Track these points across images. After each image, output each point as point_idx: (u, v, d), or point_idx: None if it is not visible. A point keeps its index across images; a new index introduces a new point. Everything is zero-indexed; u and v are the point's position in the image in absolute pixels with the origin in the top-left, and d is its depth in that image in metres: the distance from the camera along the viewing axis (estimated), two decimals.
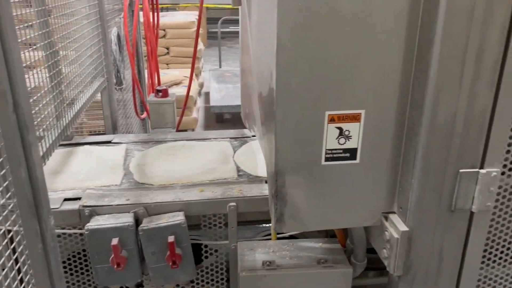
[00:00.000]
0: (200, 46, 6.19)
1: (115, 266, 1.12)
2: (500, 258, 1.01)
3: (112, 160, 1.46)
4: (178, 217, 1.14)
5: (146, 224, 1.14)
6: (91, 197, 1.21)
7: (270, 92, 0.90)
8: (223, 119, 4.77)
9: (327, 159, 0.92)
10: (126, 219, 1.14)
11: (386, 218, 0.99)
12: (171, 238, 1.11)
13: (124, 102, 2.25)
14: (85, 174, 1.36)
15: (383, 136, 0.92)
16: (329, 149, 0.91)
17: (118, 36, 2.03)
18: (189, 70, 5.31)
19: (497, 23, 0.79)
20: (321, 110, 0.88)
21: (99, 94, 1.81)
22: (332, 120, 0.89)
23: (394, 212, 0.99)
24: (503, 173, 0.92)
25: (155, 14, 2.28)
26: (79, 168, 1.41)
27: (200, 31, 6.67)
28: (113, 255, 1.11)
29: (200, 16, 1.79)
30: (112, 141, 1.60)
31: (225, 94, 4.54)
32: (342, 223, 1.01)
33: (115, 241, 1.09)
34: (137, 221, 1.17)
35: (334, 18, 0.81)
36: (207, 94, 5.31)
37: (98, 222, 1.13)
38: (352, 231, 1.11)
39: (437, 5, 0.78)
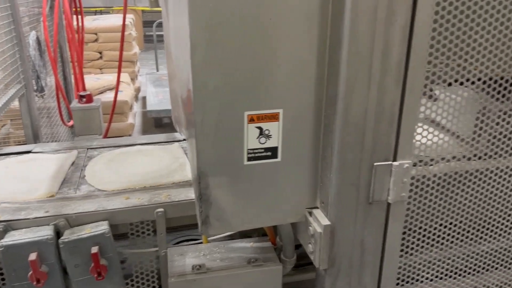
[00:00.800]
0: (136, 49, 6.03)
1: (35, 283, 1.05)
2: (418, 245, 1.06)
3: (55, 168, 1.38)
4: (101, 227, 1.10)
5: (67, 236, 1.08)
6: (5, 211, 1.13)
7: (188, 94, 0.89)
8: (162, 124, 4.68)
9: (249, 159, 0.92)
10: (45, 232, 1.08)
11: (310, 214, 1.01)
12: (94, 249, 1.07)
13: (48, 110, 2.14)
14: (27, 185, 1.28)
15: (302, 134, 0.94)
16: (250, 149, 0.92)
17: (38, 41, 1.92)
18: (124, 74, 5.15)
19: (399, 23, 0.83)
20: (240, 111, 0.88)
21: (17, 102, 1.71)
22: (251, 120, 0.90)
23: (317, 207, 1.02)
24: (415, 165, 0.97)
25: (79, 17, 2.19)
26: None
27: (135, 34, 6.50)
28: (31, 271, 1.04)
29: (124, 19, 1.74)
30: (32, 151, 1.51)
31: (163, 98, 4.46)
32: (267, 222, 1.02)
33: (33, 256, 1.03)
34: (58, 234, 1.11)
35: (245, 19, 0.82)
36: (144, 99, 5.18)
37: (13, 238, 1.06)
38: (280, 228, 1.13)
39: (343, 6, 0.81)
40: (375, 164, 0.93)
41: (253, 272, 1.09)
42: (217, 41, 0.82)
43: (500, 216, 1.10)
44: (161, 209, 1.16)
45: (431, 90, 0.95)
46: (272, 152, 0.93)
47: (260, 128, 0.90)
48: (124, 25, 1.77)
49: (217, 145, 0.90)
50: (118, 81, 2.07)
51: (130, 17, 6.17)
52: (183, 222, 1.28)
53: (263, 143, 0.92)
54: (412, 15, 0.83)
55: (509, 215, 1.10)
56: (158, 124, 4.64)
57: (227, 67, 0.84)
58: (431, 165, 0.98)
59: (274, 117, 0.90)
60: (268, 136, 0.91)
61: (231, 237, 1.44)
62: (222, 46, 0.82)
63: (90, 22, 5.74)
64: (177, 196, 1.20)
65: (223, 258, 1.13)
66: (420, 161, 0.97)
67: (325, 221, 0.96)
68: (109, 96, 3.56)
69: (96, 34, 5.52)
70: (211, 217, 0.95)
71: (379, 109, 0.89)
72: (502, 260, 1.17)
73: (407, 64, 0.87)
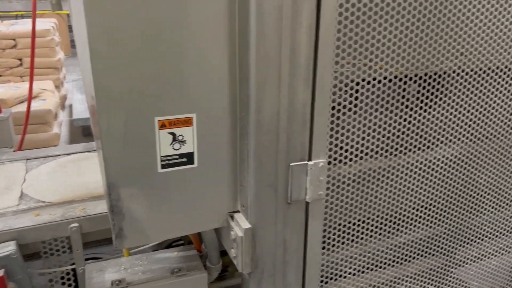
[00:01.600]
0: (61, 55, 5.73)
1: None
2: (338, 242, 1.08)
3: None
4: (7, 248, 1.01)
5: None
6: None
7: (92, 101, 0.84)
8: (91, 132, 4.47)
9: (163, 166, 0.89)
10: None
11: (232, 218, 1.00)
12: (0, 273, 0.98)
13: None
14: None
15: (218, 138, 0.92)
16: (164, 156, 0.88)
17: None
18: (47, 82, 4.86)
19: (304, 24, 0.84)
20: (150, 117, 0.85)
21: None
22: (163, 126, 0.86)
23: (239, 211, 1.00)
24: (329, 163, 0.99)
25: None
26: None
27: (59, 39, 6.14)
28: None
29: (33, 24, 1.63)
30: None
31: None
32: (188, 230, 0.99)
33: None
34: None
35: (148, 21, 0.78)
36: (71, 107, 4.93)
37: None
38: (203, 235, 1.10)
39: (248, 8, 0.81)
40: (291, 164, 0.94)
41: (176, 283, 1.05)
42: (118, 44, 0.78)
43: (414, 208, 1.15)
44: (76, 224, 1.09)
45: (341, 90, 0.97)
46: (188, 158, 0.91)
47: (173, 133, 0.88)
48: (34, 29, 1.66)
49: (127, 154, 0.85)
50: (31, 90, 1.94)
51: (52, 21, 5.84)
52: (105, 236, 1.21)
53: (178, 149, 0.89)
54: (317, 16, 0.85)
55: (422, 207, 1.16)
56: (86, 133, 4.43)
57: (132, 72, 0.80)
58: (346, 163, 1.01)
59: (187, 122, 0.88)
60: (182, 142, 0.89)
61: (160, 245, 1.39)
62: (124, 50, 0.78)
63: (8, 27, 5.37)
64: (93, 210, 1.14)
65: (145, 271, 1.08)
66: (335, 159, 0.99)
67: (246, 225, 0.95)
68: (32, 105, 3.33)
69: (14, 40, 5.17)
70: (126, 229, 0.91)
71: (291, 110, 0.89)
72: (420, 250, 1.23)
73: (315, 64, 0.88)
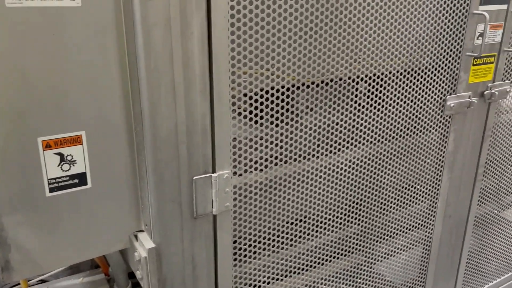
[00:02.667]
0: None
1: None
2: (250, 251, 1.08)
3: None
4: None
5: None
6: None
7: None
8: None
9: (52, 190, 0.83)
10: None
11: (136, 238, 0.95)
12: None
13: None
14: None
15: (114, 155, 0.88)
16: (52, 179, 0.82)
17: None
18: None
19: (196, 35, 0.82)
20: (32, 137, 0.78)
21: None
22: (48, 146, 0.80)
23: (143, 231, 0.96)
24: (235, 173, 0.98)
25: None
26: None
27: None
28: None
29: None
30: None
31: None
32: (86, 255, 0.92)
33: None
34: None
35: (21, 34, 0.72)
36: None
37: None
38: (108, 258, 1.04)
39: (134, 20, 0.78)
40: (194, 177, 0.91)
41: None
42: None
43: (324, 211, 1.18)
44: None
45: (240, 100, 0.97)
46: (80, 179, 0.85)
47: (60, 154, 0.82)
48: None
49: (8, 180, 0.78)
50: None
51: None
52: None
53: (67, 170, 0.83)
54: (208, 27, 0.83)
55: (332, 210, 1.19)
56: None
57: (6, 89, 0.74)
58: (252, 172, 1.01)
59: (76, 141, 0.82)
60: (71, 162, 0.83)
61: (71, 268, 1.30)
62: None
63: None
64: None
65: None
66: (241, 169, 0.99)
67: (150, 244, 0.91)
68: None
69: None
70: (13, 261, 0.83)
71: (189, 123, 0.87)
72: (338, 249, 1.26)
73: (211, 75, 0.87)
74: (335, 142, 1.12)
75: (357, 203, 1.26)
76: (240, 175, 0.99)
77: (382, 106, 1.17)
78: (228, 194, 0.96)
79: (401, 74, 1.17)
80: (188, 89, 0.85)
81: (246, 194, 1.01)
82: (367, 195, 1.26)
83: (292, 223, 1.13)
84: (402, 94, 1.20)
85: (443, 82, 1.27)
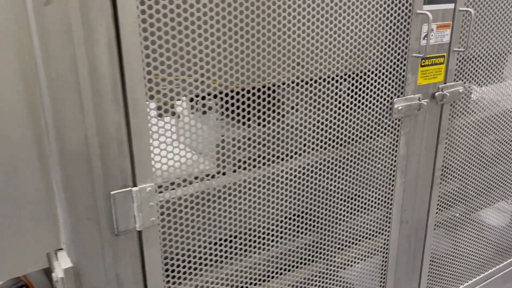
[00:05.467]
0: None
1: None
2: (185, 268, 1.02)
3: None
4: None
5: None
6: None
7: None
8: None
9: None
10: None
11: (56, 257, 0.90)
12: None
13: None
14: None
15: (23, 171, 0.82)
16: None
17: None
18: None
19: (102, 42, 0.78)
20: None
21: None
22: None
23: (62, 249, 0.91)
24: (160, 187, 0.93)
25: None
26: None
27: None
28: None
29: None
30: None
31: None
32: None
33: None
34: None
35: None
36: None
37: None
38: (29, 277, 0.99)
39: (30, 26, 0.73)
40: (111, 192, 0.86)
41: None
42: None
43: (267, 224, 1.13)
44: None
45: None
46: None
47: None
48: None
49: None
50: None
51: None
52: None
53: None
54: (117, 32, 0.79)
55: (274, 221, 1.15)
56: None
57: None
58: (179, 184, 0.96)
59: None
60: None
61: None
62: None
63: None
64: None
65: None
66: (166, 181, 0.94)
67: (67, 264, 0.86)
68: None
69: None
70: None
71: (102, 134, 0.82)
72: (300, 258, 1.22)
73: (123, 84, 0.82)
74: (275, 150, 1.08)
75: (306, 213, 1.21)
76: (168, 187, 0.94)
77: (325, 112, 1.13)
78: (153, 208, 0.91)
79: (341, 78, 1.13)
80: (97, 98, 0.80)
81: (175, 208, 0.96)
82: (316, 204, 1.22)
83: (234, 237, 1.08)
84: (345, 99, 1.16)
85: (389, 84, 1.24)
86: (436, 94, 1.35)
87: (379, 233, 1.42)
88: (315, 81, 1.09)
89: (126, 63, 0.81)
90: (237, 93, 0.98)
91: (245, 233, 1.10)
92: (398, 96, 1.27)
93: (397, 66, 1.23)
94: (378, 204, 1.36)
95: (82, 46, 0.76)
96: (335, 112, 1.15)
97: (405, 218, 1.45)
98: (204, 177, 0.99)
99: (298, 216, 1.19)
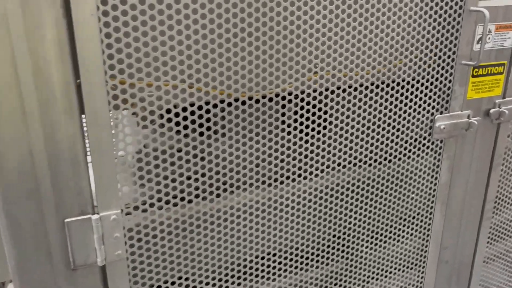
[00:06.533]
0: None
1: None
2: None
3: None
4: None
5: None
6: None
7: None
8: None
9: None
10: None
11: None
12: None
13: None
14: None
15: None
16: None
17: None
18: None
19: (50, 37, 0.63)
20: None
21: None
22: None
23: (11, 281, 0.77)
24: (129, 214, 0.77)
25: None
26: None
27: None
28: None
29: None
30: None
31: None
32: None
33: None
34: None
35: None
36: None
37: None
38: None
39: None
40: (66, 220, 0.71)
41: None
42: None
43: (267, 254, 0.95)
44: None
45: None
46: None
47: None
48: None
49: None
50: None
51: None
52: None
53: None
54: (69, 28, 0.64)
55: (277, 251, 0.96)
56: None
57: None
58: (158, 209, 0.80)
59: None
60: None
61: None
62: None
63: None
64: None
65: None
66: (136, 207, 0.78)
67: None
68: None
69: None
70: None
71: (52, 150, 0.67)
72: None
73: (79, 90, 0.67)
74: (284, 170, 0.89)
75: (322, 244, 1.01)
76: (140, 214, 0.78)
77: (337, 127, 0.93)
78: (118, 240, 0.76)
79: (366, 88, 0.92)
80: (45, 106, 0.65)
81: (148, 240, 0.80)
82: (332, 233, 1.01)
83: (228, 269, 0.90)
84: (370, 114, 0.95)
85: (430, 98, 1.01)
86: (492, 111, 1.10)
87: (410, 273, 1.19)
88: (329, 91, 0.89)
89: (82, 64, 0.65)
90: (243, 102, 0.81)
91: (245, 265, 0.92)
92: (441, 113, 1.03)
93: (441, 75, 1.00)
94: (411, 240, 1.13)
95: (23, 42, 0.61)
96: (353, 128, 0.95)
97: (445, 258, 1.21)
98: (191, 199, 0.82)
99: (308, 246, 1.00)
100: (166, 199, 0.79)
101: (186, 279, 0.86)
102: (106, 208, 0.73)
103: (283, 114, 0.86)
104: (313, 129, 0.89)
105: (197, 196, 0.82)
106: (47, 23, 0.62)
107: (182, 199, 0.81)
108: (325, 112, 0.89)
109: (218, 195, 0.84)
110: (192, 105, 0.76)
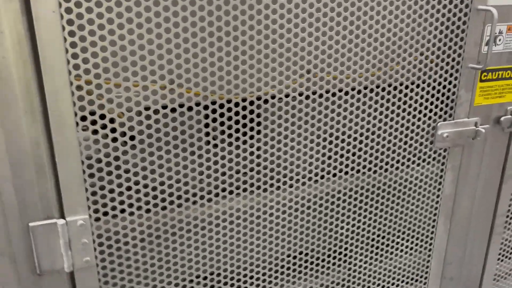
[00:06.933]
0: None
1: None
2: None
3: None
4: None
5: None
6: None
7: None
8: None
9: None
10: None
11: None
12: None
13: None
14: None
15: None
16: None
17: None
18: None
19: (8, 34, 0.60)
20: None
21: None
22: None
23: None
24: (98, 219, 0.74)
25: None
26: None
27: None
28: None
29: None
30: None
31: None
32: None
33: None
34: None
35: None
36: None
37: None
38: None
39: None
40: (30, 224, 0.69)
41: None
42: None
43: (242, 266, 0.90)
44: None
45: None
46: None
47: None
48: None
49: None
50: None
51: None
52: None
53: None
54: (30, 25, 0.61)
55: (253, 262, 0.91)
56: None
57: None
58: (130, 214, 0.76)
59: None
60: None
61: None
62: None
63: None
64: None
65: None
66: (106, 213, 0.75)
67: None
68: None
69: None
70: None
71: (14, 153, 0.65)
72: None
73: (42, 91, 0.64)
74: (268, 177, 0.84)
75: (307, 254, 0.96)
76: (99, 219, 0.75)
77: (328, 126, 0.87)
78: (87, 246, 0.73)
79: (358, 92, 0.86)
80: (4, 107, 0.63)
81: (119, 247, 0.77)
82: (327, 246, 0.96)
83: (203, 278, 0.86)
84: (364, 119, 0.89)
85: (432, 104, 0.93)
86: (503, 118, 1.01)
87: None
88: (320, 94, 0.83)
89: (44, 63, 0.62)
90: (221, 105, 0.76)
91: (224, 275, 0.88)
92: (445, 119, 0.96)
93: (445, 79, 0.93)
94: (410, 254, 1.06)
95: None
96: (349, 133, 0.89)
97: (449, 274, 1.13)
98: (165, 205, 0.78)
99: (295, 257, 0.94)
100: (138, 205, 0.76)
101: None
102: (73, 213, 0.71)
103: (265, 119, 0.81)
104: (305, 138, 0.84)
105: (163, 207, 0.78)
106: (4, 19, 0.59)
107: (155, 205, 0.77)
108: (313, 117, 0.84)
109: (180, 205, 0.80)
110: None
